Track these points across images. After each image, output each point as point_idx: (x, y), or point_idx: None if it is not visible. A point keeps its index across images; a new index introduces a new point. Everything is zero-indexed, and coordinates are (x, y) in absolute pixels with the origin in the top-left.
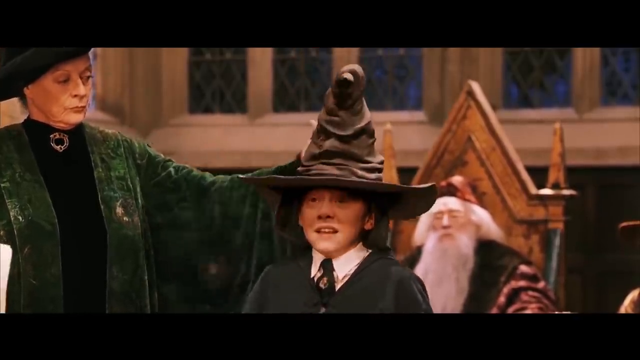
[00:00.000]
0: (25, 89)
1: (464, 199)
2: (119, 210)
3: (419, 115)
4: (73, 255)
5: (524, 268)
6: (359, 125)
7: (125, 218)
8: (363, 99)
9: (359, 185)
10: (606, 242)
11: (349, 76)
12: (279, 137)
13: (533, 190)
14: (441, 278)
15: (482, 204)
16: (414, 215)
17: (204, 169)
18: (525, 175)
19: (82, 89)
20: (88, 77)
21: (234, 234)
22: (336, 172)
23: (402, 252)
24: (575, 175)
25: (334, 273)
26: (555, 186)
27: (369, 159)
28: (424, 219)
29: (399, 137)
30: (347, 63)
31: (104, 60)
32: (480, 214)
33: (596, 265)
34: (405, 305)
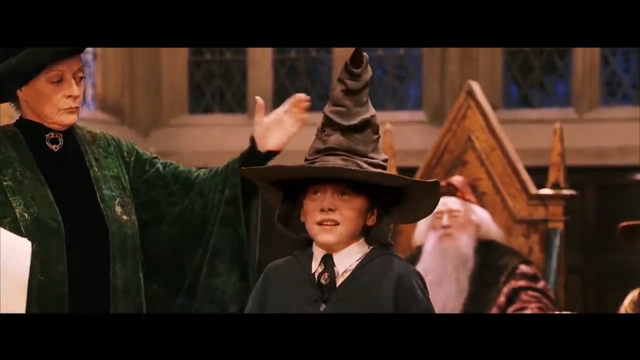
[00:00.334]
0: (18, 91)
1: (464, 199)
2: (118, 209)
3: (419, 115)
4: (77, 252)
5: (524, 268)
6: (364, 117)
7: (124, 217)
8: (368, 93)
9: (363, 176)
10: (606, 242)
11: (363, 52)
12: None
13: (533, 190)
14: (441, 278)
15: (482, 203)
16: (417, 217)
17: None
18: (525, 175)
19: (75, 90)
20: (81, 78)
21: None
22: (340, 162)
23: (402, 252)
24: (575, 175)
25: (335, 268)
26: (555, 186)
27: (374, 155)
28: (424, 218)
29: (399, 137)
30: None
31: (104, 60)
32: (480, 214)
33: (596, 265)
34: (404, 300)
